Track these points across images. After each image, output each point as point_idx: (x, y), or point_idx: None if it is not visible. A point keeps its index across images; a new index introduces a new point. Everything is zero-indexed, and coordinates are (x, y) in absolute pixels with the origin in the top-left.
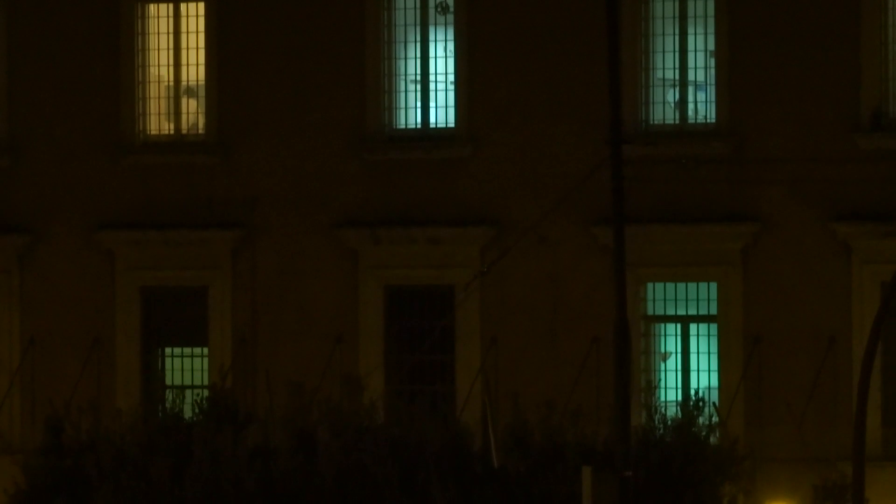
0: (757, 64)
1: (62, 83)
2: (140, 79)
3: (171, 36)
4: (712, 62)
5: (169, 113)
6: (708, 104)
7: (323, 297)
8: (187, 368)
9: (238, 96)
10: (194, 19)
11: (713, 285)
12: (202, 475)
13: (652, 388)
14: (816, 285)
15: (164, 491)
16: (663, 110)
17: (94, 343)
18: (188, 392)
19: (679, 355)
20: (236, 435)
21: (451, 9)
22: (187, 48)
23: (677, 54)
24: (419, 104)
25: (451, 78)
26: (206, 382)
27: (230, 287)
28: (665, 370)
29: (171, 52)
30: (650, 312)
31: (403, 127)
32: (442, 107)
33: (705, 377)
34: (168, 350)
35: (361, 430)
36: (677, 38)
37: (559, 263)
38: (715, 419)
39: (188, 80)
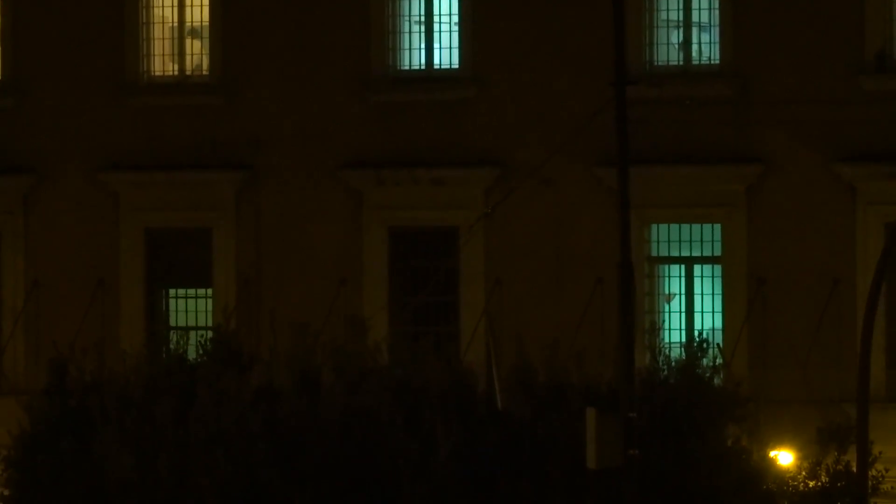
0: (761, 5)
1: (66, 24)
2: (144, 19)
3: None
4: (717, 3)
5: (173, 54)
6: (712, 45)
7: (327, 238)
8: (191, 310)
9: (242, 37)
10: None
11: (717, 227)
12: (206, 416)
13: (656, 329)
14: (820, 227)
15: (168, 432)
16: (667, 51)
17: (98, 284)
18: (192, 333)
19: (683, 296)
20: (240, 376)
21: None
22: None
23: None
24: (423, 45)
25: (456, 19)
26: (210, 324)
27: (234, 228)
28: (669, 311)
29: None
30: (654, 254)
31: (408, 68)
32: (446, 48)
33: (709, 318)
34: (172, 291)
35: (365, 372)
36: None
37: (563, 205)
38: (719, 360)
39: (192, 21)
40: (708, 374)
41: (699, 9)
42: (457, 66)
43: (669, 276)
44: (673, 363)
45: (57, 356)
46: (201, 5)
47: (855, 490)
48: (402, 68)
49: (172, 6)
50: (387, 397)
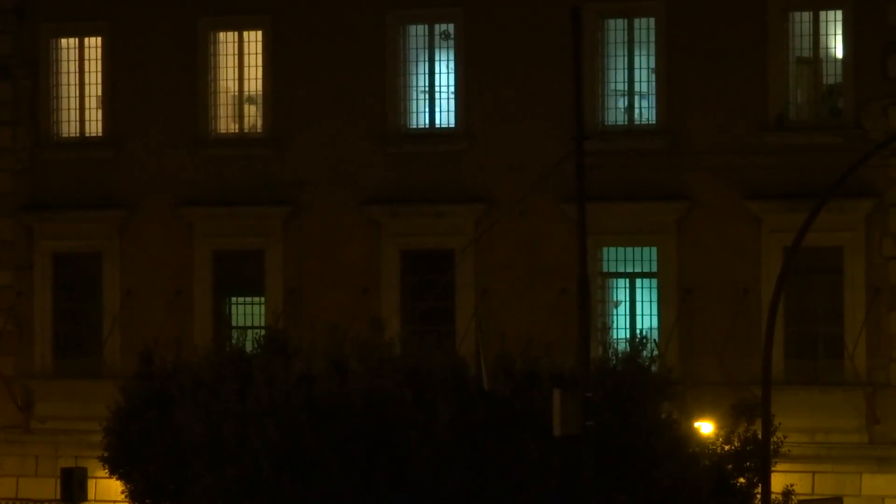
0: (688, 78)
1: (151, 92)
2: (212, 89)
3: (236, 56)
4: (653, 77)
5: (234, 116)
6: (650, 109)
7: (353, 257)
8: (248, 313)
9: (287, 103)
10: (254, 44)
11: (654, 249)
12: (260, 395)
13: (607, 328)
14: (734, 249)
15: (230, 406)
16: (615, 114)
17: (176, 293)
18: (249, 331)
19: (628, 303)
20: (286, 364)
21: (452, 36)
22: (248, 66)
23: (626, 70)
24: (427, 109)
25: (452, 89)
26: (263, 324)
27: (282, 250)
28: (617, 315)
29: (236, 69)
30: (605, 270)
31: (415, 126)
32: (445, 111)
33: (648, 320)
34: (234, 299)
35: (383, 361)
36: (626, 58)
37: (535, 232)
38: (655, 353)
39: (249, 91)
40: (647, 363)
41: (640, 81)
42: (453, 126)
43: (617, 288)
44: (620, 354)
45: (145, 349)
46: (256, 78)
47: (760, 452)
48: (410, 127)
49: (234, 79)
50: (399, 380)
